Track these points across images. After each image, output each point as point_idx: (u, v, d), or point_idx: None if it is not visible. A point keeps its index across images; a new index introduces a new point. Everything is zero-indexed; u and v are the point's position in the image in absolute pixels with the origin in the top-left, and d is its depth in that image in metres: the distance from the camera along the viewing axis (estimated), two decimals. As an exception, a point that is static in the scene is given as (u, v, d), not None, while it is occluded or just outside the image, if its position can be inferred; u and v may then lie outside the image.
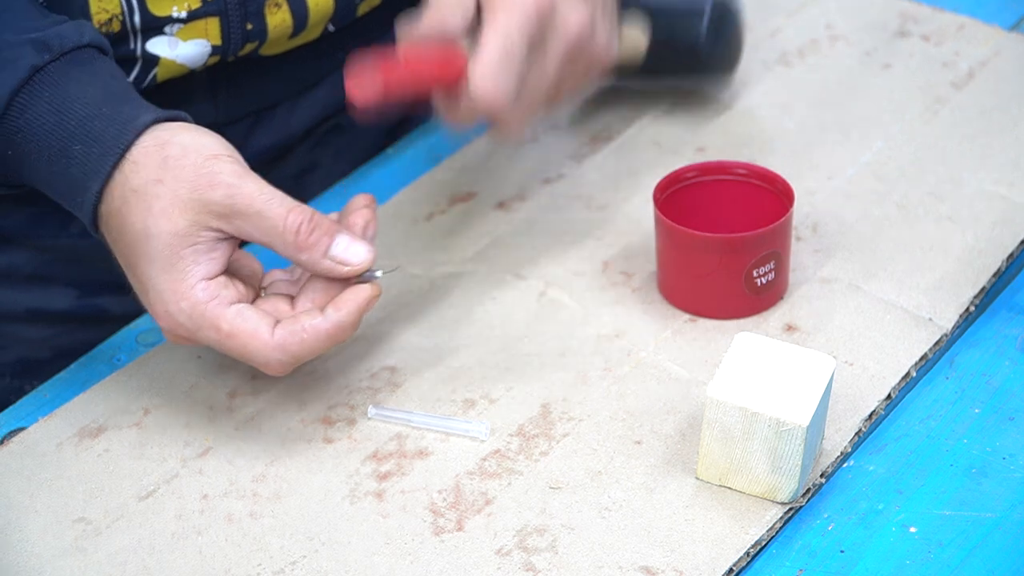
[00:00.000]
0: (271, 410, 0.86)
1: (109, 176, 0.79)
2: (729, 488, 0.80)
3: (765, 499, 0.79)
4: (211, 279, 0.79)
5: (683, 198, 0.92)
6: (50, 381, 0.90)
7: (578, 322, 0.91)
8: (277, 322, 0.80)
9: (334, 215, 0.85)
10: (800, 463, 0.78)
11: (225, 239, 0.80)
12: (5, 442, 0.85)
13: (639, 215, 0.98)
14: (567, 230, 0.98)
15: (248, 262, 0.84)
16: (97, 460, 0.84)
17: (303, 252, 0.80)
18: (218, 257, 0.80)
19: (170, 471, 0.83)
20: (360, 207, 0.85)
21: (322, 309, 0.80)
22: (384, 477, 0.82)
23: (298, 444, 0.84)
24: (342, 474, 0.82)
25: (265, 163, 1.03)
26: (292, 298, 0.82)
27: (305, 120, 1.05)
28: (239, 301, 0.80)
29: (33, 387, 0.97)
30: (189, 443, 0.84)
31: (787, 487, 0.79)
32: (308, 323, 0.80)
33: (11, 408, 0.88)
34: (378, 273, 0.82)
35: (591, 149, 1.05)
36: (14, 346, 1.01)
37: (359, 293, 0.81)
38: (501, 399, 0.86)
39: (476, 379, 0.88)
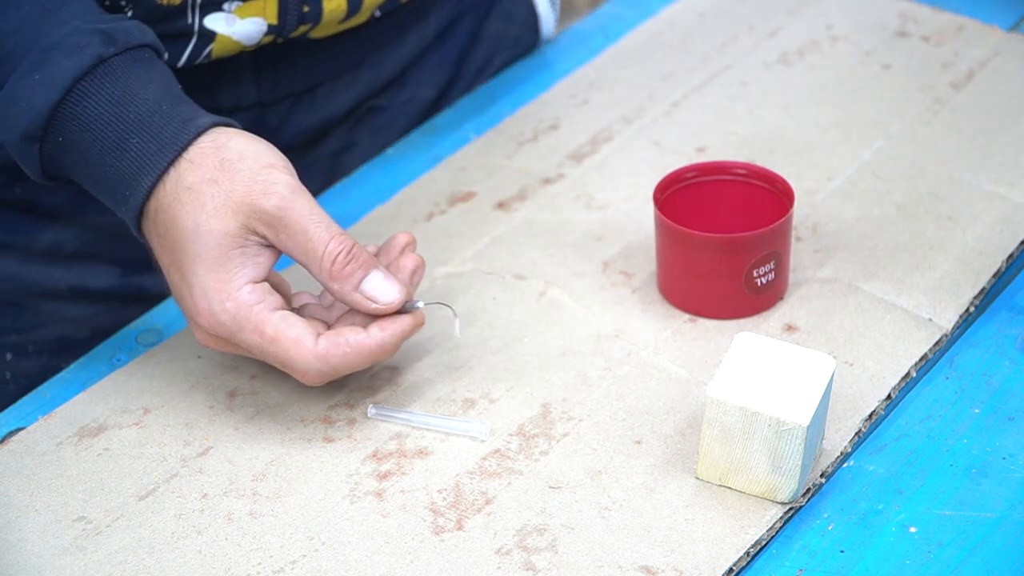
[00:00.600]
0: (271, 410, 0.86)
1: (164, 172, 0.80)
2: (729, 488, 0.80)
3: (765, 499, 0.79)
4: (257, 283, 0.80)
5: (683, 198, 0.92)
6: (50, 381, 0.90)
7: (578, 322, 0.91)
8: (320, 334, 0.81)
9: (373, 247, 0.86)
10: (800, 463, 0.78)
11: (269, 247, 0.81)
12: (5, 442, 0.85)
13: (639, 215, 0.98)
14: (567, 230, 0.98)
15: (279, 280, 0.85)
16: (97, 459, 0.84)
17: (335, 281, 0.81)
18: (263, 263, 0.81)
19: (170, 470, 0.83)
20: (408, 250, 0.85)
21: (366, 327, 0.81)
22: (384, 477, 0.82)
23: (298, 444, 0.84)
24: (342, 474, 0.82)
25: (304, 144, 1.05)
26: (326, 324, 0.83)
27: (345, 101, 1.06)
28: (283, 308, 0.81)
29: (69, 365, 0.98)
30: (189, 443, 0.84)
31: (787, 487, 0.79)
32: (352, 338, 0.81)
33: (11, 408, 0.88)
34: (419, 304, 0.83)
35: (591, 149, 1.05)
36: (54, 324, 1.02)
37: (404, 320, 0.82)
38: (501, 399, 0.86)
39: (476, 379, 0.88)
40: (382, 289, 0.81)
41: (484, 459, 0.83)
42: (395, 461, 0.83)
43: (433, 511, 0.80)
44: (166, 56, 0.86)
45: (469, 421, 0.84)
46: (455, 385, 0.87)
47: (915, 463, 0.82)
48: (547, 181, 1.02)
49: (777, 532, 0.79)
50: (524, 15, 1.16)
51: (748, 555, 0.78)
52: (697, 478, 0.81)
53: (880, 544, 0.78)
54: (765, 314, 0.91)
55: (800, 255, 0.94)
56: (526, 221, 0.99)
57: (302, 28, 0.97)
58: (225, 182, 0.80)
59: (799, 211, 0.97)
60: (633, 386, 0.87)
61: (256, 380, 0.88)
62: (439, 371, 0.88)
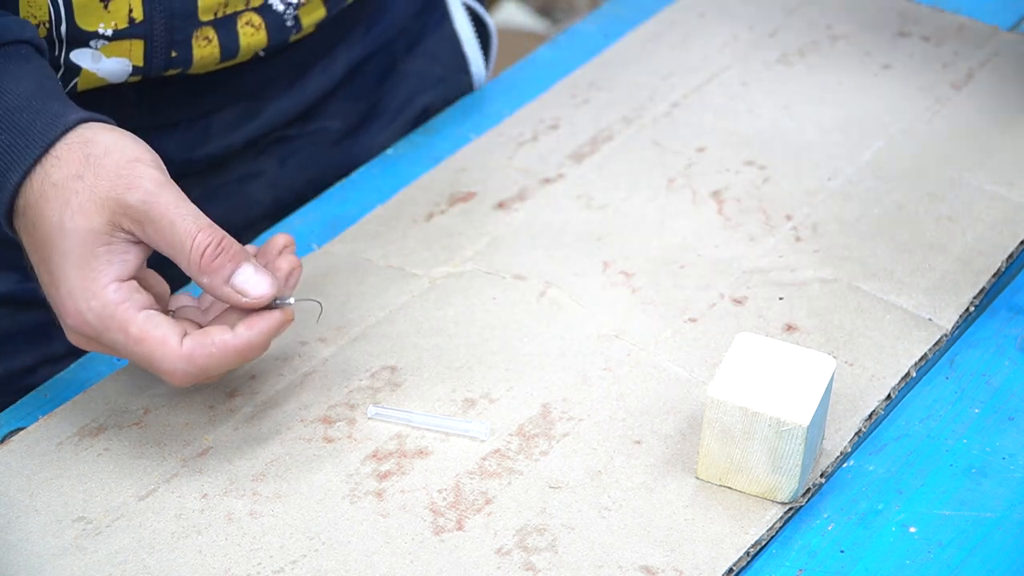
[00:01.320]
0: (271, 410, 0.86)
1: (31, 169, 0.80)
2: (729, 488, 0.80)
3: (765, 499, 0.79)
4: (123, 281, 0.79)
5: None
6: (50, 381, 0.90)
7: (578, 322, 0.91)
8: (186, 334, 0.79)
9: (252, 248, 0.85)
10: (800, 463, 0.78)
11: (138, 243, 0.80)
12: (5, 442, 0.85)
13: (639, 215, 0.98)
14: (567, 230, 0.98)
15: (155, 281, 0.84)
16: (97, 459, 0.84)
17: (205, 275, 0.79)
18: (131, 260, 0.80)
19: (170, 470, 0.83)
20: (286, 252, 0.84)
21: (233, 327, 0.80)
22: (384, 476, 0.82)
23: (298, 444, 0.84)
24: (342, 474, 0.82)
25: (203, 170, 1.03)
26: (199, 326, 0.82)
27: (247, 132, 1.04)
28: (150, 307, 0.80)
29: None
30: (189, 443, 0.84)
31: (787, 487, 0.79)
32: (218, 338, 0.79)
33: (11, 408, 0.88)
34: (290, 300, 0.81)
35: (591, 149, 1.05)
36: None
37: (271, 317, 0.80)
38: (501, 399, 0.86)
39: (476, 379, 0.88)
40: (253, 283, 0.80)
41: (484, 459, 0.83)
42: (395, 461, 0.83)
43: (433, 511, 0.80)
44: (47, 55, 0.85)
45: (469, 421, 0.84)
46: (455, 385, 0.87)
47: (915, 463, 0.82)
48: (547, 181, 1.02)
49: (777, 532, 0.79)
50: (450, 56, 1.14)
51: (748, 555, 0.78)
52: (697, 478, 0.81)
53: (880, 544, 0.78)
54: (765, 314, 0.91)
55: (800, 255, 0.94)
56: (526, 221, 0.99)
57: (172, 71, 0.95)
58: (90, 177, 0.79)
59: (799, 211, 0.97)
60: (633, 386, 0.87)
61: (256, 380, 0.88)
62: (439, 371, 0.88)
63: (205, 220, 0.79)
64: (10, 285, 1.01)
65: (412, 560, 0.78)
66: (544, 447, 0.83)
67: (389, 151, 1.07)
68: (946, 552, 0.77)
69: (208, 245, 0.79)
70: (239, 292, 0.80)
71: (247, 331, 0.80)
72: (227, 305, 0.82)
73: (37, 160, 0.79)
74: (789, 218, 0.98)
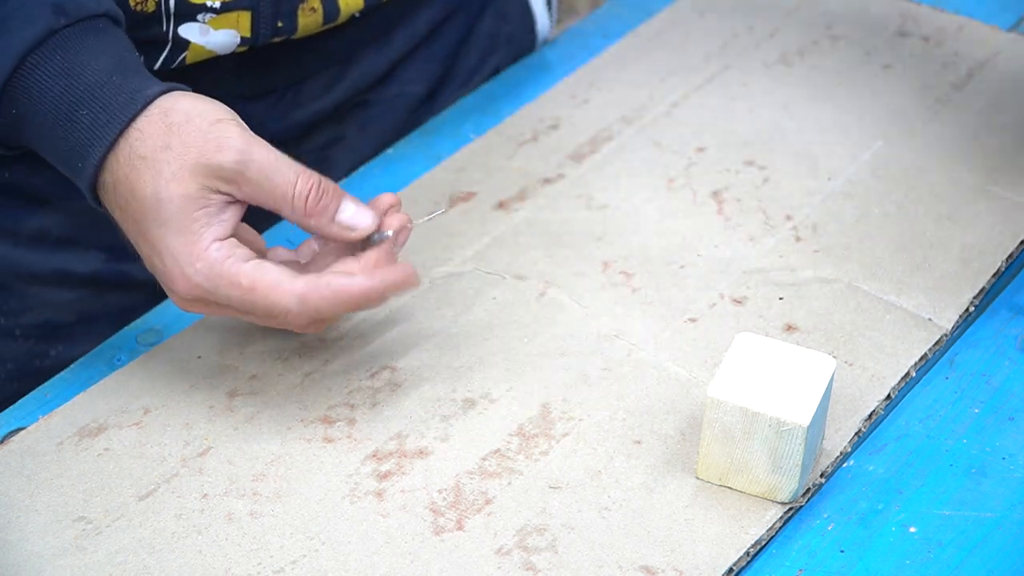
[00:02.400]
0: (271, 410, 0.86)
1: (114, 143, 0.80)
2: (729, 488, 0.80)
3: (765, 499, 0.79)
4: (223, 240, 0.80)
5: None
6: (50, 381, 0.90)
7: (578, 322, 0.91)
8: (298, 276, 0.80)
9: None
10: (800, 463, 0.78)
11: (233, 203, 0.81)
12: (5, 442, 0.85)
13: (639, 215, 0.98)
14: (567, 230, 0.98)
15: (252, 237, 0.85)
16: (97, 460, 0.84)
17: (311, 217, 0.81)
18: (228, 220, 0.81)
19: (170, 470, 0.83)
20: (393, 211, 0.85)
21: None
22: (384, 477, 0.82)
23: (298, 444, 0.84)
24: (342, 474, 0.82)
25: (291, 138, 1.05)
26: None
27: (333, 97, 1.06)
28: (255, 258, 0.81)
29: (58, 352, 0.98)
30: (189, 443, 0.84)
31: (787, 487, 0.79)
32: (334, 281, 0.80)
33: (11, 408, 0.88)
34: (388, 233, 0.83)
35: (591, 149, 1.05)
36: (40, 308, 1.02)
37: (394, 270, 0.82)
38: (501, 399, 0.86)
39: (476, 379, 0.88)
40: (359, 216, 0.82)
41: (484, 459, 0.83)
42: (395, 461, 0.83)
43: (433, 511, 0.80)
44: (124, 24, 0.86)
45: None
46: (455, 385, 0.87)
47: (915, 463, 0.82)
48: (547, 181, 1.02)
49: (777, 532, 0.79)
50: (519, 14, 1.16)
51: (748, 555, 0.78)
52: (697, 478, 0.81)
53: (880, 544, 0.78)
54: (765, 314, 0.91)
55: (800, 255, 0.94)
56: (526, 221, 0.99)
57: (277, 39, 0.97)
58: (177, 146, 0.79)
59: (799, 211, 0.97)
60: (633, 386, 0.87)
61: (256, 380, 0.88)
62: (439, 371, 0.88)
63: (298, 166, 0.81)
64: (97, 265, 1.01)
65: (412, 560, 0.78)
66: (544, 447, 0.83)
67: (389, 151, 1.07)
68: (946, 552, 0.77)
69: (310, 190, 0.80)
70: (347, 228, 0.81)
71: (366, 280, 0.81)
72: (328, 257, 0.83)
73: (120, 134, 0.80)
74: (789, 218, 0.98)
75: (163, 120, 0.80)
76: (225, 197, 0.80)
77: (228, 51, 0.95)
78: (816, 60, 1.12)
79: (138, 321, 0.93)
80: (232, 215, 0.81)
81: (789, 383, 0.78)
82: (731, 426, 0.78)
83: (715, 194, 1.00)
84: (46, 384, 0.89)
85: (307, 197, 0.80)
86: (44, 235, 1.00)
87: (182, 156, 0.79)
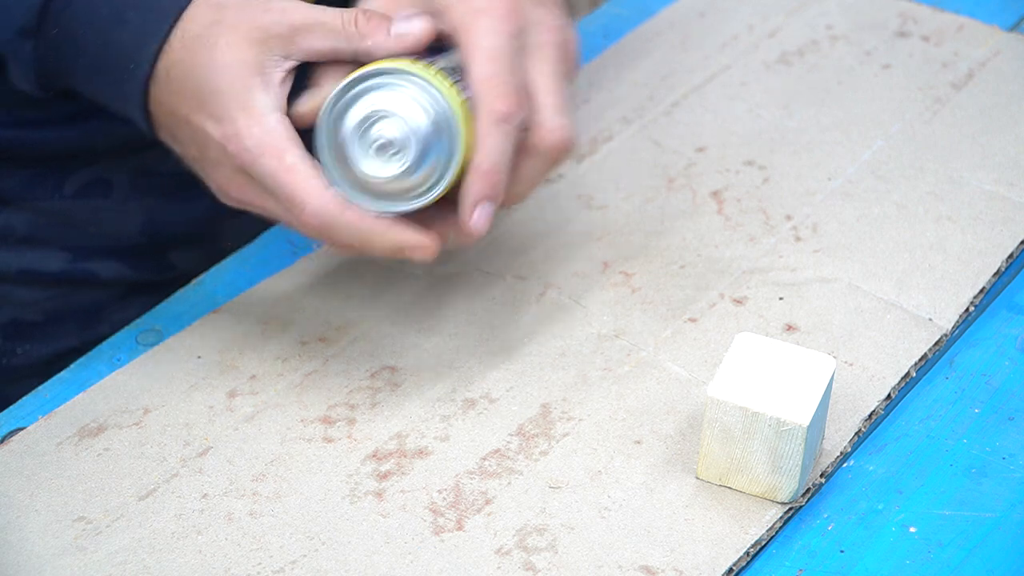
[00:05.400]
0: (271, 410, 0.86)
1: (167, 35, 0.81)
2: (729, 488, 0.80)
3: (765, 499, 0.79)
4: (285, 115, 0.80)
5: None
6: (50, 381, 0.90)
7: (578, 322, 0.91)
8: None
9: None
10: (800, 463, 0.78)
11: (289, 74, 0.81)
12: (5, 442, 0.85)
13: (639, 215, 0.98)
14: (567, 230, 0.98)
15: None
16: (97, 459, 0.84)
17: (368, 37, 0.80)
18: (283, 92, 0.81)
19: (170, 470, 0.83)
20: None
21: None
22: (384, 477, 0.82)
23: (298, 444, 0.84)
24: (342, 474, 0.82)
25: None
26: None
27: None
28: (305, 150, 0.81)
29: (25, 351, 0.98)
30: (189, 443, 0.84)
31: (787, 487, 0.79)
32: (360, 210, 0.79)
33: (11, 408, 0.88)
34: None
35: (591, 149, 1.05)
36: (6, 307, 1.02)
37: (409, 232, 0.80)
38: (501, 399, 0.86)
39: (476, 379, 0.88)
40: (412, 22, 0.81)
41: (484, 459, 0.83)
42: (395, 461, 0.83)
43: (433, 511, 0.80)
44: None
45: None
46: (455, 385, 0.87)
47: (915, 463, 0.82)
48: (547, 181, 1.02)
49: (777, 532, 0.79)
50: None
51: (748, 555, 0.78)
52: (697, 478, 0.81)
53: (880, 544, 0.78)
54: (765, 314, 0.91)
55: (800, 255, 0.94)
56: (526, 221, 0.99)
57: None
58: (229, 18, 0.80)
59: (799, 211, 0.97)
60: (633, 386, 0.87)
61: (256, 380, 0.88)
62: (439, 371, 0.88)
63: (337, 8, 0.81)
64: (63, 264, 1.01)
65: (412, 560, 0.78)
66: (544, 447, 0.83)
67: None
68: (946, 552, 0.77)
69: (357, 16, 0.81)
70: (404, 34, 0.81)
71: (383, 225, 0.79)
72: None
73: (172, 26, 0.81)
74: (789, 218, 0.98)
75: (210, 6, 0.81)
76: (281, 63, 0.80)
77: None
78: (816, 60, 1.12)
79: (138, 321, 0.93)
80: (288, 84, 0.81)
81: (789, 383, 0.78)
82: (731, 426, 0.78)
83: (715, 194, 1.00)
84: (46, 384, 0.89)
85: (356, 20, 0.80)
86: (9, 235, 1.00)
87: (234, 27, 0.80)
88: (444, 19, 0.83)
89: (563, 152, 0.83)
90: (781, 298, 0.92)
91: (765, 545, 0.79)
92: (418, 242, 0.81)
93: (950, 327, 0.89)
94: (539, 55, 0.83)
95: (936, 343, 0.88)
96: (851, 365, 0.87)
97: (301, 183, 0.79)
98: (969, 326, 0.90)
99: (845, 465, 0.82)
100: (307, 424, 0.85)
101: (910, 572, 0.76)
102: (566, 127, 0.82)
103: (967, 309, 0.90)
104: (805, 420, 0.76)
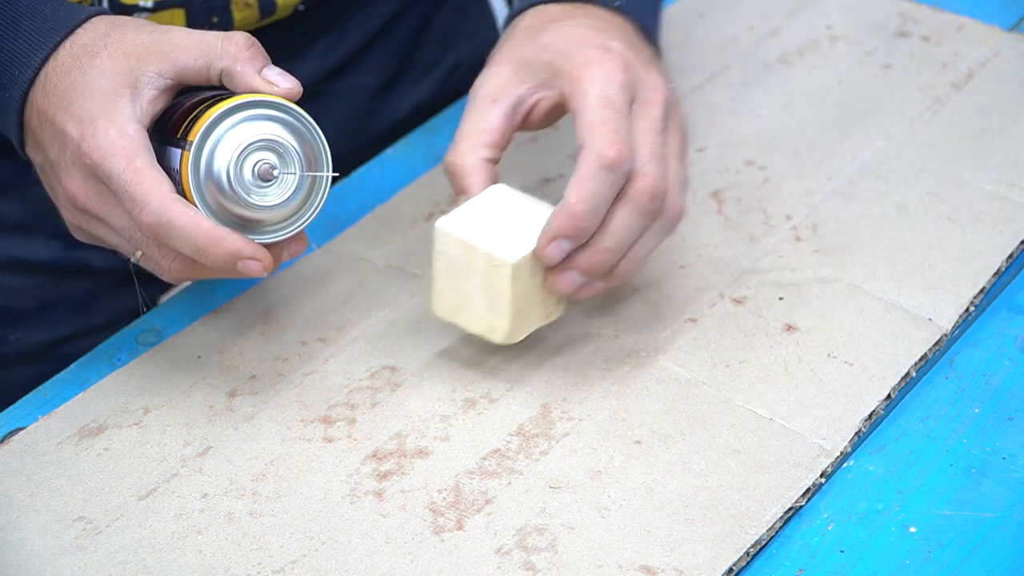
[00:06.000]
0: (271, 410, 0.86)
1: (57, 45, 0.82)
2: (457, 325, 0.84)
3: (484, 339, 0.83)
4: (142, 126, 0.81)
5: None
6: (50, 381, 0.90)
7: (578, 322, 0.91)
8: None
9: None
10: (509, 302, 0.79)
11: (163, 93, 0.81)
12: (5, 442, 0.85)
13: (639, 215, 0.98)
14: (567, 230, 0.98)
15: None
16: (97, 459, 0.84)
17: (239, 63, 0.81)
18: (150, 111, 0.81)
19: (170, 470, 0.83)
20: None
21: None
22: (384, 476, 0.82)
23: (298, 444, 0.84)
24: (342, 474, 0.82)
25: None
26: None
27: None
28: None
29: (18, 338, 0.98)
30: (189, 443, 0.84)
31: (501, 327, 0.82)
32: (201, 216, 0.79)
33: (11, 408, 0.88)
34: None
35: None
36: None
37: (241, 241, 0.80)
38: (501, 399, 0.86)
39: (476, 379, 0.88)
40: (283, 77, 0.82)
41: (484, 459, 0.83)
42: (395, 461, 0.83)
43: (433, 511, 0.80)
44: None
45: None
46: (455, 385, 0.87)
47: (915, 463, 0.82)
48: (547, 181, 1.02)
49: (777, 532, 0.79)
50: (478, 10, 1.17)
51: (748, 555, 0.78)
52: (433, 313, 0.84)
53: (880, 544, 0.78)
54: (764, 313, 0.91)
55: (800, 255, 0.94)
56: (526, 221, 0.99)
57: None
58: (117, 35, 0.82)
59: (799, 211, 0.97)
60: (633, 386, 0.87)
61: (256, 380, 0.88)
62: (439, 371, 0.88)
63: (230, 32, 0.82)
64: (54, 253, 1.02)
65: (412, 560, 0.78)
66: (544, 447, 0.83)
67: (389, 151, 1.07)
68: (946, 552, 0.77)
69: (243, 37, 0.81)
70: (271, 83, 0.81)
71: (223, 231, 0.79)
72: None
73: (64, 38, 0.82)
74: (789, 218, 0.98)
75: (108, 22, 0.82)
76: (155, 80, 0.81)
77: None
78: (816, 60, 1.12)
79: (138, 321, 0.93)
80: (157, 103, 0.81)
81: (515, 227, 0.80)
82: (455, 259, 0.81)
83: (715, 194, 1.00)
84: (46, 384, 0.89)
85: (237, 41, 0.81)
86: (1, 223, 1.00)
87: (120, 42, 0.81)
88: (560, 77, 0.83)
89: (651, 199, 0.81)
90: (781, 298, 0.92)
91: (765, 545, 0.79)
92: (253, 253, 0.80)
93: (950, 327, 0.89)
94: (644, 110, 0.83)
95: (936, 343, 0.88)
96: (851, 365, 0.87)
97: (146, 183, 0.79)
98: (969, 326, 0.90)
99: (845, 465, 0.82)
100: (307, 424, 0.85)
101: (910, 572, 0.76)
102: (654, 175, 0.81)
103: (967, 309, 0.90)
104: (513, 257, 0.79)
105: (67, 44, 0.82)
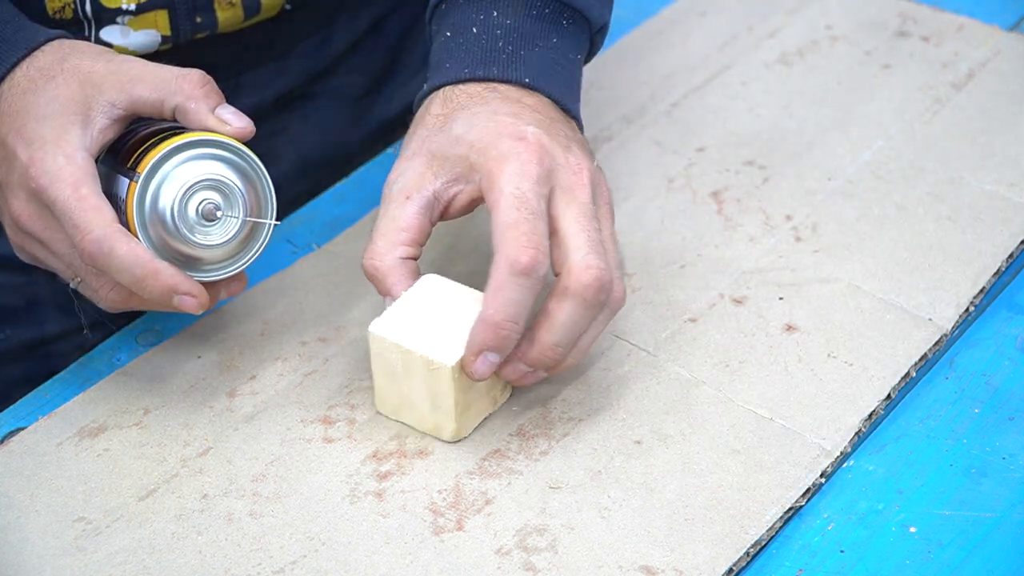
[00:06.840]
0: (271, 410, 0.86)
1: (14, 66, 0.83)
2: (404, 423, 0.83)
3: (432, 436, 0.83)
4: (90, 155, 0.81)
5: None
6: (50, 381, 0.90)
7: (578, 322, 0.91)
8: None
9: None
10: (453, 403, 0.79)
11: (114, 122, 0.82)
12: (5, 442, 0.85)
13: (639, 215, 0.98)
14: (567, 230, 0.98)
15: None
16: (97, 460, 0.84)
17: (193, 100, 0.81)
18: (101, 139, 0.81)
19: (170, 471, 0.83)
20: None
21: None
22: (384, 477, 0.82)
23: (298, 444, 0.84)
24: (342, 474, 0.82)
25: None
26: None
27: (275, 89, 1.06)
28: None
29: (7, 335, 0.98)
30: (189, 443, 0.84)
31: (447, 427, 0.81)
32: (141, 247, 0.79)
33: (11, 408, 0.88)
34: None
35: (591, 149, 1.04)
36: None
37: (176, 275, 0.80)
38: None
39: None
40: (238, 117, 0.82)
41: (484, 459, 0.83)
42: (395, 461, 0.83)
43: (433, 511, 0.80)
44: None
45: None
46: (455, 385, 0.87)
47: (915, 463, 0.82)
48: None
49: (777, 532, 0.79)
50: None
51: (748, 555, 0.78)
52: (377, 412, 0.84)
53: (880, 544, 0.78)
54: (764, 313, 0.91)
55: (800, 255, 0.94)
56: (526, 221, 0.99)
57: (199, 35, 0.98)
58: (74, 60, 0.82)
59: (799, 211, 0.97)
60: (633, 386, 0.87)
61: (256, 380, 0.88)
62: (439, 371, 0.88)
63: (187, 68, 0.83)
64: None
65: (412, 560, 0.78)
66: (544, 447, 0.83)
67: (389, 150, 1.07)
68: (946, 552, 0.77)
69: (197, 75, 0.82)
70: (224, 121, 0.82)
71: (161, 265, 0.80)
72: None
73: (23, 58, 0.83)
74: (789, 218, 0.98)
75: (67, 47, 0.83)
76: (108, 109, 0.81)
77: (151, 51, 0.96)
78: (816, 60, 1.12)
79: (138, 321, 0.93)
80: (108, 132, 0.82)
81: (450, 324, 0.80)
82: (393, 363, 0.80)
83: (715, 194, 1.00)
84: (46, 384, 0.89)
85: (192, 78, 0.81)
86: None
87: (76, 68, 0.82)
88: (476, 171, 0.82)
89: (597, 292, 0.79)
90: (781, 298, 0.92)
91: (765, 545, 0.79)
92: (189, 289, 0.81)
93: (950, 327, 0.89)
94: (567, 198, 0.81)
95: (936, 343, 0.88)
96: (851, 365, 0.87)
97: (89, 211, 0.79)
98: (969, 326, 0.90)
99: (845, 465, 0.82)
100: (307, 424, 0.85)
101: (910, 572, 0.76)
102: (598, 266, 0.79)
103: (967, 309, 0.90)
104: (452, 360, 0.78)
105: (24, 65, 0.83)
